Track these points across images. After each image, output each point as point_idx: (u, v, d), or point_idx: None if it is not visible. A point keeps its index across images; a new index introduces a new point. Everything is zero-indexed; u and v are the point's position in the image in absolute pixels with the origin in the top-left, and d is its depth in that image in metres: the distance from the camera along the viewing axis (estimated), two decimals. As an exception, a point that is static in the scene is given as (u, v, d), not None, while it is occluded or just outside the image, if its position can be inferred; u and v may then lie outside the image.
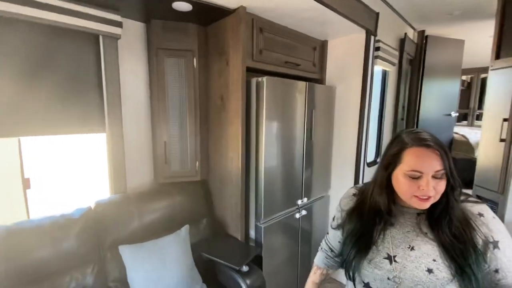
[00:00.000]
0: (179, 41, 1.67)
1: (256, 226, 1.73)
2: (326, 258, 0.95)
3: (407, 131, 0.72)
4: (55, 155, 1.53)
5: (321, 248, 0.98)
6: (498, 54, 1.83)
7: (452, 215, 0.67)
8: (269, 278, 1.70)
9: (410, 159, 0.66)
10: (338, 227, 0.86)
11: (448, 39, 3.09)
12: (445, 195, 0.66)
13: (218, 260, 1.52)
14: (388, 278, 0.70)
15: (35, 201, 1.43)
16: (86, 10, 1.34)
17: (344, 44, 2.10)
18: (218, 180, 1.83)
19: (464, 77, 4.68)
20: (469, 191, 2.10)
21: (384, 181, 0.72)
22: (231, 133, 1.65)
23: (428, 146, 0.64)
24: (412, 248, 0.69)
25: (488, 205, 0.71)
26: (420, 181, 0.64)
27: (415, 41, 2.99)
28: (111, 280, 1.37)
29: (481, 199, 1.92)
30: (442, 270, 0.65)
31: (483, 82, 4.38)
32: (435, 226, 0.69)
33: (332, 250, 0.92)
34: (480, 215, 0.68)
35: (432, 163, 0.63)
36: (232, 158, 1.67)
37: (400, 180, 0.68)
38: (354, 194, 0.85)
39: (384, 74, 2.49)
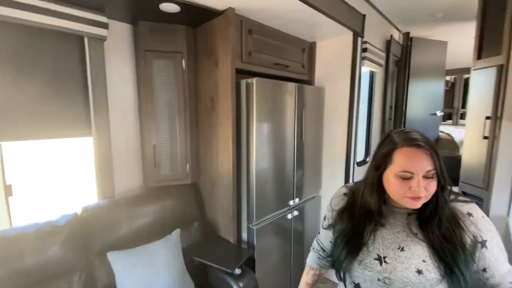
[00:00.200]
0: (167, 43, 1.65)
1: (248, 228, 1.72)
2: (318, 258, 0.95)
3: (397, 131, 0.71)
4: (40, 160, 1.48)
5: (313, 248, 0.97)
6: (479, 54, 1.90)
7: (441, 215, 0.67)
8: (262, 280, 1.69)
9: (401, 159, 0.65)
10: (329, 227, 0.85)
11: (431, 41, 3.19)
12: (435, 195, 0.66)
13: (210, 263, 1.50)
14: (378, 279, 0.69)
15: (18, 208, 1.38)
16: (69, 11, 1.31)
17: (332, 46, 2.13)
18: (209, 183, 1.82)
19: (448, 78, 4.84)
20: (456, 188, 2.16)
21: (375, 182, 0.71)
22: (222, 135, 1.64)
23: (418, 146, 0.64)
24: (402, 249, 0.69)
25: (474, 201, 0.72)
26: (411, 181, 0.64)
27: (401, 42, 3.07)
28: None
29: (466, 195, 1.97)
30: (432, 271, 0.65)
31: (466, 82, 4.53)
32: (425, 227, 0.68)
33: (324, 250, 0.92)
34: (469, 214, 0.68)
35: (423, 163, 0.63)
36: (222, 160, 1.66)
37: (391, 181, 0.67)
38: (345, 194, 0.84)
39: (372, 75, 2.54)
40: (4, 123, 1.25)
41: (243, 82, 1.61)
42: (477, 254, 0.65)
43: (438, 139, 3.76)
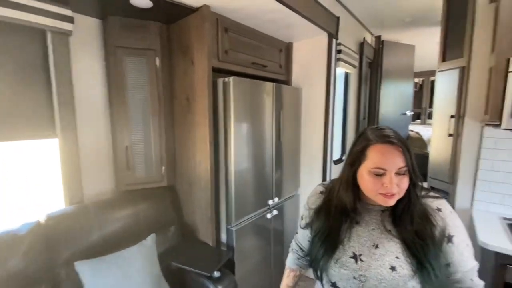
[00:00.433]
0: (139, 40, 1.58)
1: (227, 229, 1.69)
2: (297, 259, 0.94)
3: (371, 128, 0.72)
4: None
5: (292, 249, 0.96)
6: (444, 57, 2.02)
7: (413, 211, 0.68)
8: (242, 282, 1.67)
9: (375, 156, 0.66)
10: (306, 226, 0.85)
11: (401, 44, 3.35)
12: (407, 191, 0.67)
13: (188, 267, 1.45)
14: (354, 277, 0.69)
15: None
16: (30, 3, 1.20)
17: (308, 46, 2.16)
18: (186, 185, 1.76)
19: (416, 80, 5.12)
20: (425, 184, 2.28)
21: (350, 179, 0.72)
22: (199, 135, 1.60)
23: (391, 143, 0.65)
24: (377, 246, 0.70)
25: (443, 197, 0.73)
26: (383, 178, 0.65)
27: (373, 45, 3.20)
28: (66, 300, 1.24)
29: (434, 190, 2.09)
30: (404, 267, 0.66)
31: (433, 84, 4.82)
32: (399, 223, 0.69)
33: (302, 250, 0.92)
34: (439, 210, 0.69)
35: (395, 160, 0.64)
36: (200, 160, 1.62)
37: (364, 178, 0.68)
38: (321, 192, 0.84)
39: (346, 76, 2.62)
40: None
41: (220, 81, 1.58)
42: (443, 249, 0.66)
43: (408, 137, 3.96)
